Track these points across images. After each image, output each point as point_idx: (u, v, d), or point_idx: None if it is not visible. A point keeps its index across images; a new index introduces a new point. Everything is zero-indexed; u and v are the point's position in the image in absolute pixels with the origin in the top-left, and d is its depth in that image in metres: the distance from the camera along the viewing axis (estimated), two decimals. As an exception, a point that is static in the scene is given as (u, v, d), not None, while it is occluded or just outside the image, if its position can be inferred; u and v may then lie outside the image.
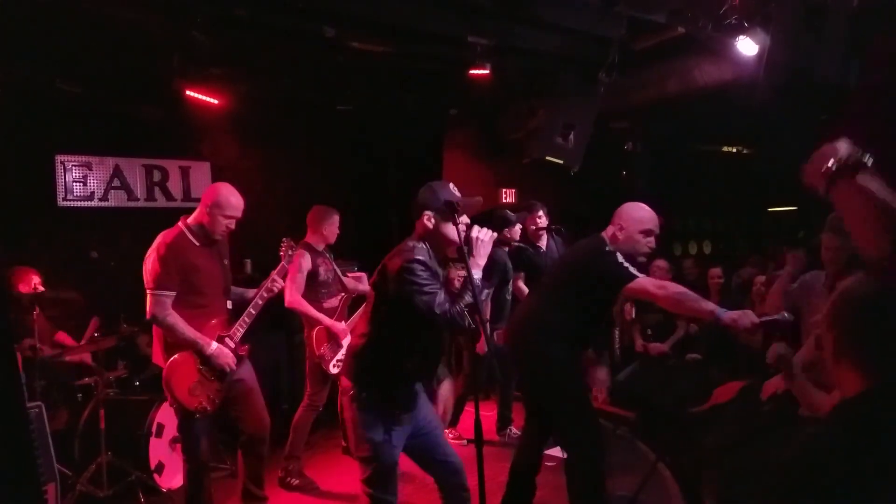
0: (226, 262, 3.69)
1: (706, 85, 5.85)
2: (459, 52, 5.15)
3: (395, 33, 4.99)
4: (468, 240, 2.77)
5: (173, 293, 3.35)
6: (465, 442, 5.17)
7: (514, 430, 5.35)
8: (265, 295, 3.67)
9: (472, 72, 5.30)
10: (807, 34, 4.85)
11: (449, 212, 2.77)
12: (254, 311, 3.62)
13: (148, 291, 3.35)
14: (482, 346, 4.45)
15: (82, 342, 4.83)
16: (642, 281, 3.27)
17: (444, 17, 4.79)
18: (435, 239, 2.82)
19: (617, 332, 6.57)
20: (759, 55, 4.79)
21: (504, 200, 7.98)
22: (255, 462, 3.73)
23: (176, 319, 3.34)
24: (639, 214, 3.51)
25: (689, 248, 9.97)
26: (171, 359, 3.40)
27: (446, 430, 5.40)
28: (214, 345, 3.43)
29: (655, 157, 8.60)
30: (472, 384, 5.28)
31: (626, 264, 3.29)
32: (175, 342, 3.41)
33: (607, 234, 3.51)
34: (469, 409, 5.39)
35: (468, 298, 2.65)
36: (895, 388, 1.33)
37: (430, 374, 3.07)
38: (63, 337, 4.93)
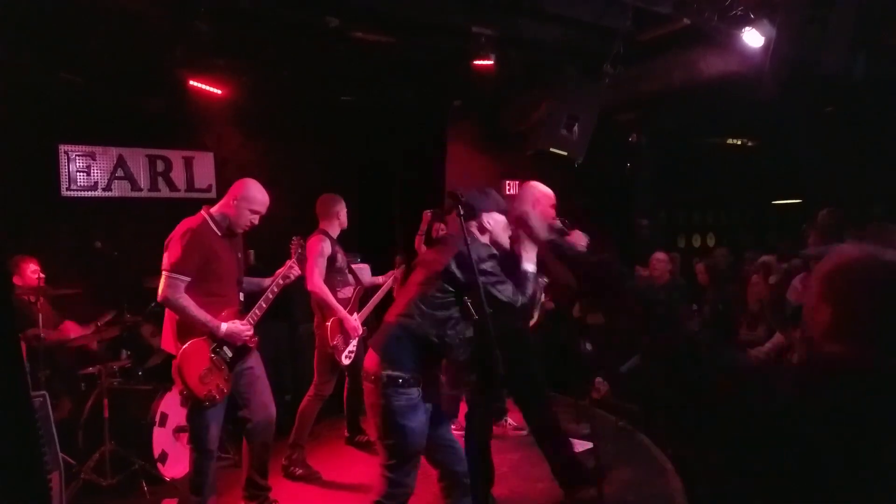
0: (240, 255, 3.73)
1: (711, 77, 5.82)
2: (463, 43, 5.13)
3: (399, 24, 4.97)
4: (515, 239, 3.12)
5: (188, 279, 3.36)
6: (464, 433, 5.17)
7: (511, 422, 5.36)
8: (280, 282, 3.71)
9: (475, 63, 5.27)
10: (812, 26, 4.82)
11: (503, 212, 3.13)
12: (265, 305, 3.65)
13: (164, 273, 3.36)
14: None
15: (90, 328, 4.82)
16: None
17: (447, 7, 4.77)
18: (492, 239, 3.08)
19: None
20: (765, 47, 4.76)
21: (507, 192, 7.96)
22: (261, 450, 3.74)
23: (188, 302, 3.35)
24: None
25: (693, 241, 9.95)
26: (184, 347, 3.41)
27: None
28: (225, 325, 3.44)
29: (660, 149, 8.58)
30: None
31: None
32: (188, 326, 3.42)
33: None
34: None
35: (531, 289, 2.98)
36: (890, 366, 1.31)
37: (464, 365, 3.19)
38: (69, 326, 4.94)
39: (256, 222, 3.64)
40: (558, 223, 3.83)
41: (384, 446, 2.82)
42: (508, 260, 3.07)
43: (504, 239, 3.09)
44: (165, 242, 3.45)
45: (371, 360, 2.87)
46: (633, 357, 6.16)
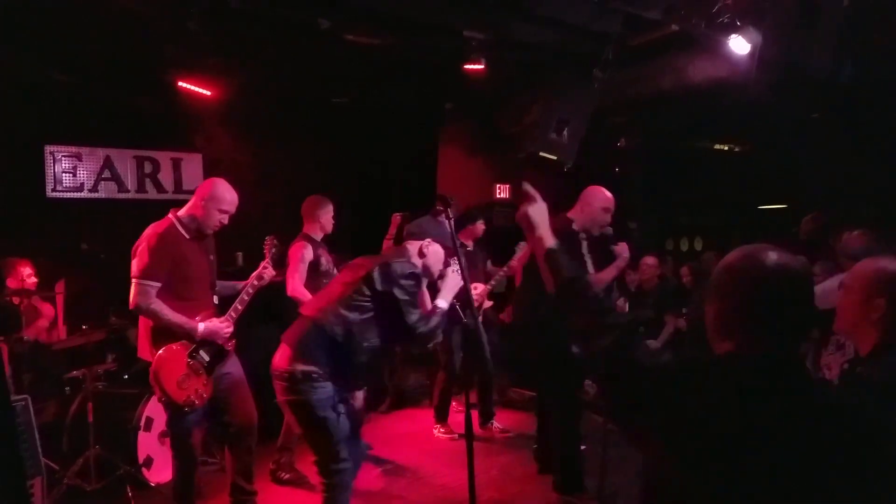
0: (212, 257, 3.66)
1: (700, 82, 5.86)
2: (455, 46, 5.13)
3: (391, 26, 4.96)
4: (443, 275, 3.25)
5: (158, 284, 3.33)
6: (456, 436, 5.17)
7: (497, 424, 5.36)
8: (255, 283, 3.65)
9: (467, 66, 5.28)
10: (799, 32, 4.86)
11: (443, 246, 3.26)
12: (240, 307, 3.60)
13: (133, 280, 3.33)
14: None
15: (58, 311, 4.81)
16: None
17: (439, 10, 4.77)
18: (425, 265, 3.22)
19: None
20: (751, 53, 4.80)
21: (499, 196, 7.97)
22: (244, 455, 3.70)
23: (160, 306, 3.31)
24: None
25: (681, 244, 9.99)
26: (159, 353, 3.37)
27: (436, 426, 5.41)
28: (202, 325, 3.41)
29: (649, 153, 8.62)
30: (452, 377, 5.29)
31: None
32: (162, 332, 3.38)
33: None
34: (460, 405, 5.40)
35: (435, 323, 3.05)
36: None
37: (373, 375, 3.29)
38: (45, 307, 4.88)
39: (226, 222, 3.57)
40: (609, 229, 3.96)
41: (310, 442, 2.98)
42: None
43: (435, 269, 3.23)
44: (133, 249, 3.41)
45: (282, 355, 2.92)
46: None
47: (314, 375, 2.83)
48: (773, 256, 1.38)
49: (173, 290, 3.39)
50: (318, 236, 4.55)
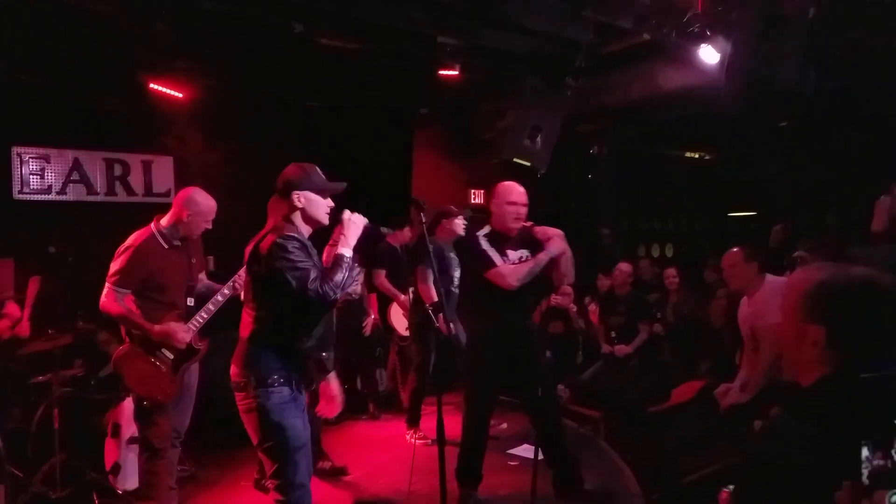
0: (194, 260, 3.73)
1: (670, 90, 5.96)
2: (429, 52, 5.16)
3: (365, 30, 4.98)
4: (340, 221, 2.88)
5: (128, 291, 3.47)
6: (429, 441, 5.15)
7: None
8: (227, 292, 3.67)
9: (441, 72, 5.30)
10: (766, 43, 4.97)
11: (318, 192, 2.86)
12: (213, 308, 3.65)
13: (107, 282, 3.44)
14: (442, 327, 4.54)
15: (25, 308, 4.78)
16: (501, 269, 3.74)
17: (413, 15, 4.79)
18: (305, 218, 2.85)
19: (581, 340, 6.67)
20: (720, 63, 4.90)
21: (473, 201, 8.01)
22: (173, 454, 3.72)
23: (122, 308, 3.43)
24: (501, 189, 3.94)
25: (651, 251, 10.13)
26: (120, 348, 3.51)
27: (408, 432, 5.40)
28: (158, 327, 3.47)
29: (620, 160, 8.73)
30: (424, 379, 5.30)
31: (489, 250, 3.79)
32: (128, 330, 3.52)
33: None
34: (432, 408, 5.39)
35: (339, 276, 2.69)
36: (853, 375, 1.37)
37: (325, 348, 3.04)
38: (11, 308, 4.80)
39: (210, 227, 3.68)
40: (527, 225, 3.91)
41: (266, 451, 2.72)
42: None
43: (318, 217, 2.88)
44: (115, 252, 3.51)
45: (235, 366, 2.77)
46: (595, 365, 6.26)
47: (269, 381, 2.67)
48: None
49: (145, 293, 3.51)
50: None
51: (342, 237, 2.83)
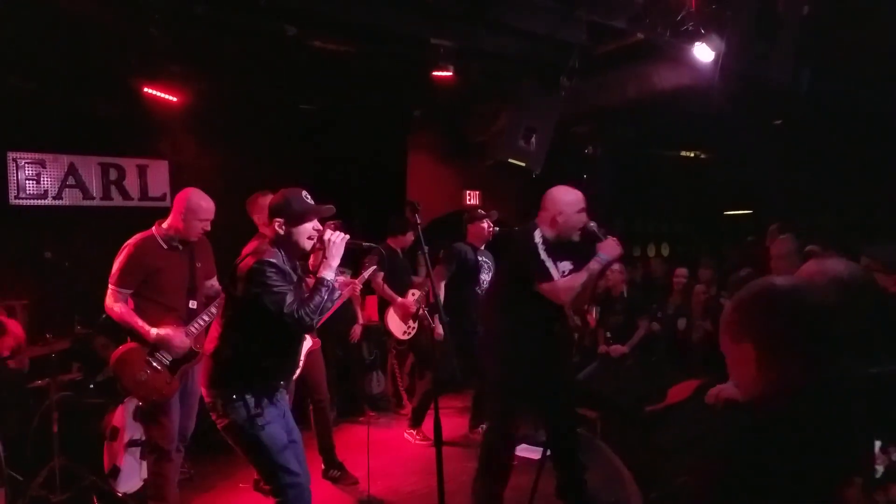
0: (199, 264, 3.77)
1: (664, 90, 5.97)
2: (423, 54, 5.16)
3: (358, 33, 4.98)
4: (322, 242, 2.84)
5: (129, 292, 3.54)
6: (430, 442, 5.16)
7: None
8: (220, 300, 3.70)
9: (435, 73, 5.31)
10: (760, 42, 4.99)
11: (299, 219, 2.82)
12: (207, 318, 3.69)
13: (109, 283, 3.53)
14: (438, 333, 4.49)
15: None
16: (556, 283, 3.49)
17: (406, 17, 4.80)
18: (287, 244, 2.84)
19: (576, 334, 6.67)
20: (715, 61, 4.92)
21: (468, 202, 8.02)
22: (178, 457, 3.79)
23: (124, 309, 3.51)
24: (570, 197, 3.67)
25: (647, 251, 10.15)
26: (118, 349, 3.56)
27: (409, 431, 5.41)
28: (154, 331, 3.53)
29: (615, 160, 8.74)
30: (439, 383, 5.29)
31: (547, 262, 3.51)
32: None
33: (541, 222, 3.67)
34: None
35: (318, 299, 2.71)
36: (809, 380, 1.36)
37: (290, 371, 3.07)
38: (12, 324, 4.78)
39: (208, 228, 3.72)
40: (592, 225, 3.69)
41: (252, 462, 2.86)
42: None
43: (301, 241, 2.85)
44: (117, 253, 3.59)
45: (203, 387, 2.85)
46: (591, 365, 6.28)
47: (234, 396, 2.74)
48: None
49: (145, 294, 3.58)
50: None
51: (324, 259, 2.82)
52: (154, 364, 3.56)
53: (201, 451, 4.50)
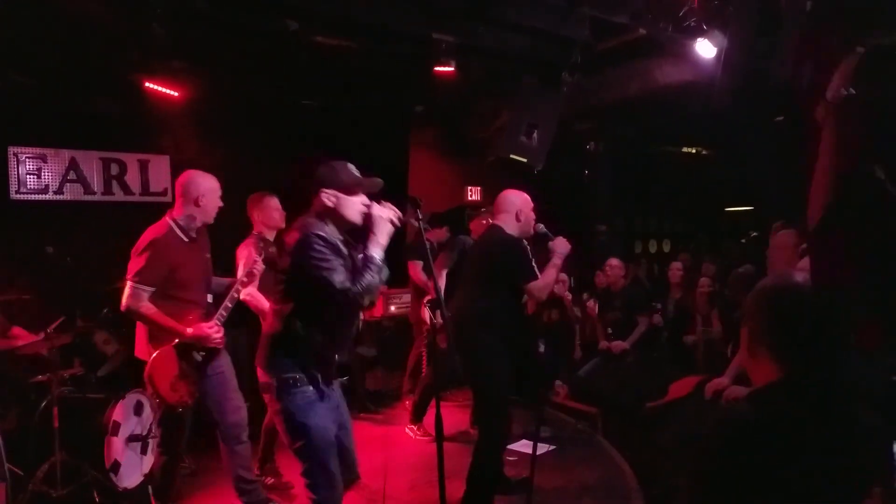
0: (208, 255, 3.67)
1: (667, 86, 5.97)
2: (424, 49, 5.16)
3: (360, 29, 4.97)
4: (370, 218, 2.74)
5: (152, 289, 3.34)
6: (432, 438, 5.16)
7: None
8: (245, 280, 3.69)
9: (437, 69, 5.30)
10: (762, 38, 4.97)
11: (348, 190, 2.74)
12: (230, 304, 3.60)
13: (128, 282, 3.33)
14: (442, 341, 4.47)
15: (40, 336, 4.69)
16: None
17: (408, 13, 4.79)
18: (335, 217, 2.74)
19: (577, 329, 6.68)
20: (717, 57, 4.91)
21: (470, 198, 8.02)
22: (240, 449, 3.68)
23: (150, 310, 3.32)
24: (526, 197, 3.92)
25: (649, 247, 10.15)
26: (153, 355, 3.37)
27: (410, 426, 5.41)
28: (190, 329, 3.41)
29: (617, 157, 8.74)
30: (441, 377, 5.29)
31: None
32: (156, 332, 3.41)
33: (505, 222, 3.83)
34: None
35: (369, 278, 2.60)
36: (804, 378, 1.37)
37: (344, 350, 2.97)
38: (18, 331, 4.79)
39: (221, 204, 3.61)
40: (541, 227, 3.88)
41: (295, 452, 2.70)
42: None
43: (350, 216, 2.75)
44: (132, 250, 3.40)
45: (259, 367, 2.75)
46: (592, 361, 6.28)
47: (291, 381, 2.63)
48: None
49: (167, 291, 3.39)
50: (270, 235, 4.49)
51: (371, 235, 2.70)
52: (186, 366, 3.43)
53: (204, 445, 4.51)
